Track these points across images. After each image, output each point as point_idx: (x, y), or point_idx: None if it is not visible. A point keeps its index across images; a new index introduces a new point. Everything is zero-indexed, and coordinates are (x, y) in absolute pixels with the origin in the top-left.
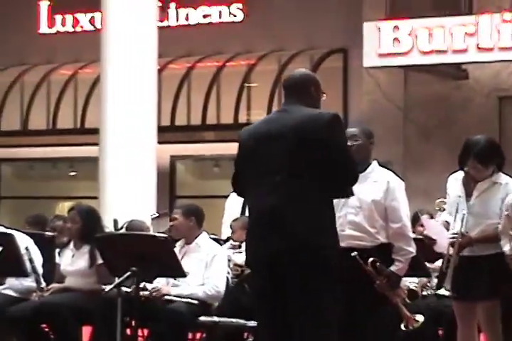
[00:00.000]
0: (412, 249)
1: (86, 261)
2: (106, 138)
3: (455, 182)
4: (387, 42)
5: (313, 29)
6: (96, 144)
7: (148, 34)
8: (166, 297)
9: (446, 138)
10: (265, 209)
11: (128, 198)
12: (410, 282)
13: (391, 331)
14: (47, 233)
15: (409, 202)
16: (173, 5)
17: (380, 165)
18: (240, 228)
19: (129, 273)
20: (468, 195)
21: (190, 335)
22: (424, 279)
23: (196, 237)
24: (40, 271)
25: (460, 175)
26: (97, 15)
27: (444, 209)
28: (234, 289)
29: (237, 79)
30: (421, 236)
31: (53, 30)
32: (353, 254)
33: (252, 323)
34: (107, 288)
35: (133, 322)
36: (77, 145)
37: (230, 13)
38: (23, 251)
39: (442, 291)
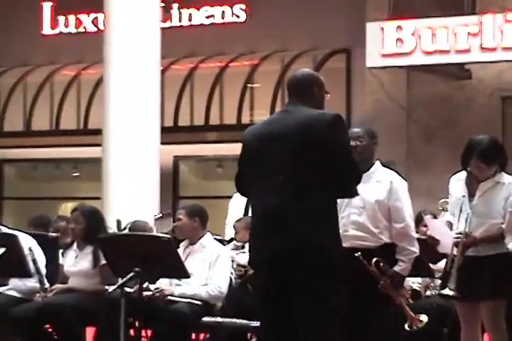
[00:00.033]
0: (416, 248)
1: (89, 262)
2: (109, 139)
3: (458, 182)
4: (390, 43)
5: (316, 29)
6: (99, 145)
7: (151, 35)
8: (169, 297)
9: (449, 138)
10: (268, 209)
11: (131, 199)
12: (413, 282)
13: (395, 331)
14: (50, 234)
15: (412, 202)
16: (175, 5)
17: (383, 165)
18: (243, 228)
19: (132, 274)
20: (471, 194)
21: (193, 336)
22: (428, 279)
23: (201, 238)
24: (44, 271)
25: (462, 175)
26: (100, 16)
27: (447, 210)
28: (237, 290)
29: (240, 80)
30: (424, 237)
31: (56, 31)
32: (356, 255)
33: (256, 323)
34: (111, 288)
35: (136, 323)
36: (80, 146)
37: (232, 13)
38: (26, 251)
39: (446, 291)
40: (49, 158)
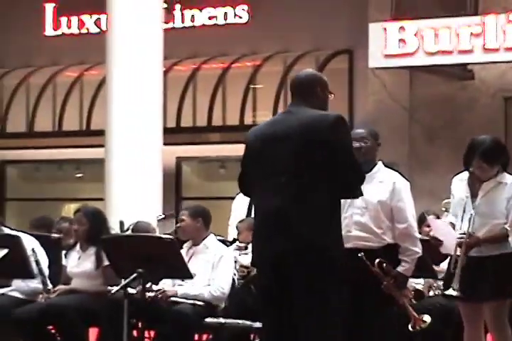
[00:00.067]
0: (418, 249)
1: (92, 263)
2: (112, 140)
3: (460, 183)
4: (392, 43)
5: (318, 30)
6: (102, 146)
7: (154, 36)
8: (172, 298)
9: (452, 139)
10: (271, 210)
11: (134, 200)
12: (416, 283)
13: (398, 331)
14: (53, 235)
15: (415, 203)
16: (178, 6)
17: (386, 165)
18: (246, 229)
19: (135, 275)
20: (474, 195)
21: (196, 337)
22: (431, 280)
23: (204, 239)
24: (47, 272)
25: (465, 175)
26: (103, 17)
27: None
28: (240, 290)
29: (243, 81)
30: (427, 237)
31: (59, 32)
32: (359, 255)
33: (259, 324)
34: (114, 289)
35: (139, 324)
36: (83, 147)
37: (235, 14)
38: (29, 252)
39: (450, 291)
40: (52, 159)
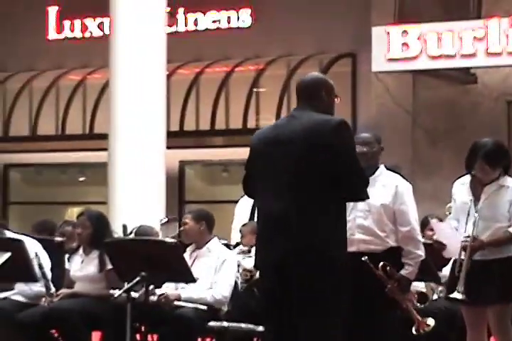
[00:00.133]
0: (421, 252)
1: (95, 267)
2: (115, 144)
3: (461, 186)
4: (395, 47)
5: (321, 34)
6: (105, 149)
7: (157, 39)
8: (175, 302)
9: (455, 143)
10: (271, 212)
11: (137, 203)
12: (415, 286)
13: (401, 335)
14: (56, 238)
15: (418, 207)
16: (181, 10)
17: (388, 168)
18: (250, 233)
19: (138, 279)
20: (476, 198)
21: (199, 340)
22: (432, 284)
23: (207, 242)
24: (50, 276)
25: (466, 179)
26: (106, 20)
27: None
28: (243, 294)
29: (246, 85)
30: (430, 241)
31: (62, 36)
32: (363, 259)
33: (262, 328)
34: (117, 293)
35: (142, 328)
36: (86, 151)
37: (238, 18)
38: (32, 256)
39: (455, 294)
40: (55, 163)
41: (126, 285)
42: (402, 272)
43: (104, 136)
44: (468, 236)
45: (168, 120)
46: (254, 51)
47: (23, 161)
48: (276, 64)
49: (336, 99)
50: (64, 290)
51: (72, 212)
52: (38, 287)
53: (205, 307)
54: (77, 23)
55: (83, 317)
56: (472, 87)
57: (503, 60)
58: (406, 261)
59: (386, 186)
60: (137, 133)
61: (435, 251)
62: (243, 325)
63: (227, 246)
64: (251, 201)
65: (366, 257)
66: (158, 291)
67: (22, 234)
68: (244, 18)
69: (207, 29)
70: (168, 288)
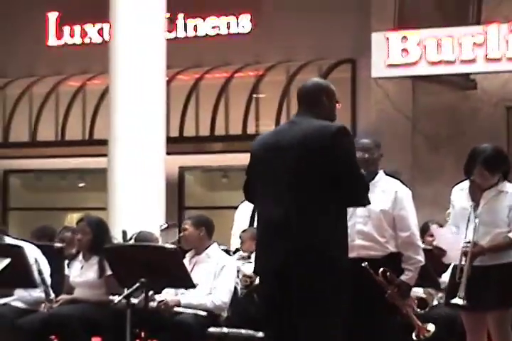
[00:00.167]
0: (421, 257)
1: (95, 272)
2: (114, 150)
3: (460, 192)
4: (395, 53)
5: (321, 40)
6: (104, 155)
7: (157, 45)
8: (175, 308)
9: (455, 148)
10: (271, 217)
11: (136, 209)
12: (415, 291)
13: (401, 340)
14: (56, 244)
15: (417, 213)
16: (181, 16)
17: (387, 174)
18: (249, 239)
19: (138, 285)
20: (475, 204)
21: None
22: (429, 289)
23: (207, 248)
24: (49, 282)
25: (465, 185)
26: (105, 26)
27: None
28: (243, 300)
29: (246, 90)
30: (430, 247)
31: (61, 42)
32: (363, 265)
33: (261, 334)
34: (116, 299)
35: (142, 334)
36: (85, 157)
37: (238, 24)
38: (31, 262)
39: (456, 300)
40: (54, 169)
41: (126, 291)
42: (402, 277)
43: (103, 142)
44: (468, 242)
45: (168, 126)
46: (253, 57)
47: (22, 167)
48: (275, 70)
49: (337, 105)
50: (63, 296)
51: (72, 218)
52: (37, 293)
53: (204, 313)
54: (77, 28)
55: (83, 323)
56: (472, 93)
57: (503, 66)
58: (406, 266)
59: (385, 191)
60: (137, 139)
61: (435, 257)
62: (243, 331)
63: (227, 251)
64: (251, 207)
65: (366, 263)
66: (157, 297)
67: (22, 239)
68: (243, 23)
69: (206, 35)
70: (168, 294)
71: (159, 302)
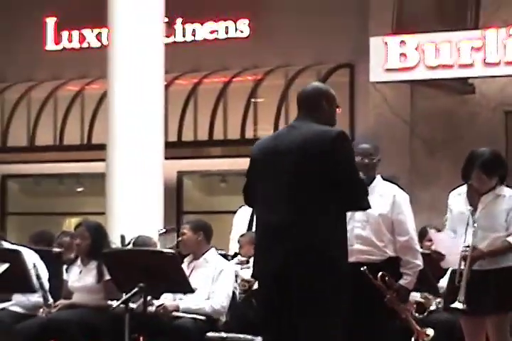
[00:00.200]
0: (420, 261)
1: (93, 277)
2: (113, 154)
3: (458, 197)
4: (393, 57)
5: (319, 44)
6: (103, 160)
7: (155, 50)
8: (173, 313)
9: (453, 153)
10: (270, 221)
11: (135, 214)
12: (414, 296)
13: None
14: (54, 249)
15: (416, 217)
16: (179, 21)
17: (385, 179)
18: (248, 243)
19: (136, 289)
20: (473, 208)
21: None
22: (428, 295)
23: (205, 253)
24: (47, 287)
25: (462, 190)
26: (104, 31)
27: None
28: (241, 304)
29: (244, 95)
30: (428, 251)
31: (60, 47)
32: (362, 269)
33: (260, 338)
34: (115, 304)
35: (141, 339)
36: (84, 161)
37: (236, 28)
38: (30, 267)
39: (456, 304)
40: (53, 173)
41: (125, 296)
42: (401, 282)
43: (102, 147)
44: (468, 246)
45: (166, 130)
46: (252, 61)
47: (21, 172)
48: (274, 74)
49: (337, 109)
50: (62, 301)
51: (70, 223)
52: (35, 298)
53: (203, 318)
54: (75, 33)
55: (81, 327)
56: (470, 97)
57: (501, 70)
58: (404, 270)
59: (384, 196)
60: (135, 143)
61: (433, 261)
62: (241, 336)
63: (225, 256)
64: (249, 211)
65: (365, 267)
66: (156, 302)
67: (20, 244)
68: (242, 28)
69: (205, 39)
70: (167, 299)
71: (158, 306)
